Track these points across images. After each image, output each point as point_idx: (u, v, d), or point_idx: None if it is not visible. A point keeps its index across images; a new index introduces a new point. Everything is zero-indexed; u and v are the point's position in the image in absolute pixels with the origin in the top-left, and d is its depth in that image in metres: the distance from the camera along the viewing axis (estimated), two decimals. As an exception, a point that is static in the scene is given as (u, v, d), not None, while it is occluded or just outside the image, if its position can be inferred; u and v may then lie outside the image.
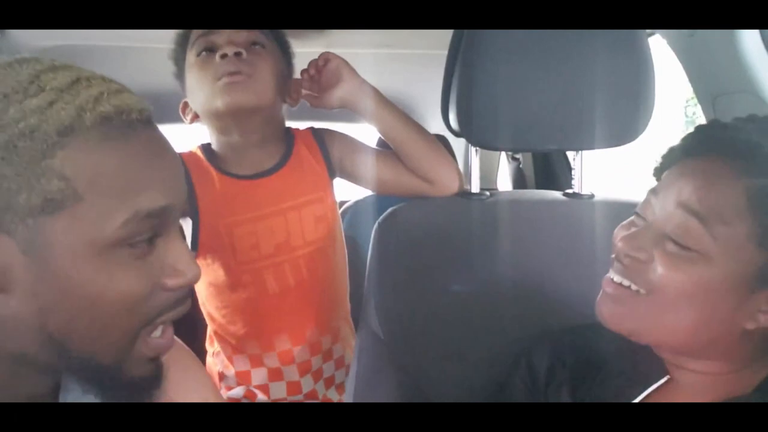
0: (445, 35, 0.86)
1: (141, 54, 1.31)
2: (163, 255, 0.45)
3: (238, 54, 0.84)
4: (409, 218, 0.86)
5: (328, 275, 0.99)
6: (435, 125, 2.03)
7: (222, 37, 0.86)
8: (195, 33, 0.89)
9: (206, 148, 0.95)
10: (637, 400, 0.61)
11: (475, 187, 0.91)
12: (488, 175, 1.96)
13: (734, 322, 0.54)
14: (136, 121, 0.43)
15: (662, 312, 0.56)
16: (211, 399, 0.59)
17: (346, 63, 0.92)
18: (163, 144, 0.46)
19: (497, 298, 0.83)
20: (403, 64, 1.57)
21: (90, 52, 1.36)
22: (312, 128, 1.00)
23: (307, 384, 0.99)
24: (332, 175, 0.97)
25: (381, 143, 1.96)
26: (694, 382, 0.59)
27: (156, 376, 0.46)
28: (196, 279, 0.46)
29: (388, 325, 0.82)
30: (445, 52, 0.86)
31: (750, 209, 0.52)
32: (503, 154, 1.89)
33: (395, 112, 0.93)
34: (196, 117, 0.93)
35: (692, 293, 0.53)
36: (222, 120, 0.88)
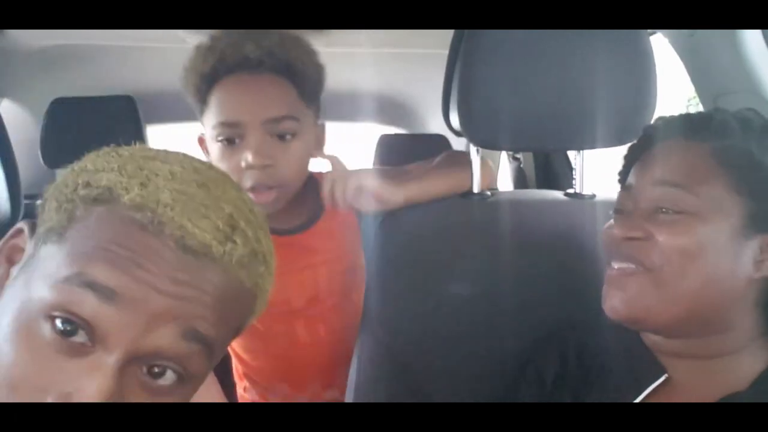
0: (445, 35, 0.86)
1: (141, 54, 1.31)
2: (79, 372, 0.38)
3: (266, 166, 0.78)
4: (410, 219, 0.86)
5: (356, 320, 0.96)
6: (435, 125, 2.03)
7: (246, 130, 0.77)
8: (213, 108, 0.80)
9: None
10: (635, 401, 0.61)
11: (476, 187, 0.91)
12: (489, 175, 1.96)
13: (740, 276, 0.56)
14: (173, 239, 0.40)
15: (673, 282, 0.57)
16: (217, 399, 0.59)
17: (359, 188, 0.81)
18: (186, 281, 0.40)
19: (498, 298, 0.83)
20: (403, 64, 1.56)
21: (90, 52, 1.36)
22: None
23: None
24: (361, 219, 0.92)
25: (382, 141, 1.95)
26: (692, 376, 0.60)
27: None
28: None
29: (388, 326, 0.82)
30: (445, 52, 0.86)
31: (719, 165, 0.57)
32: (504, 153, 1.89)
33: (424, 186, 0.86)
34: None
35: (696, 253, 0.56)
36: None
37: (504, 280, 0.83)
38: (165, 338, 0.40)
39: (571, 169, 1.54)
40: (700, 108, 0.96)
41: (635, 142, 0.69)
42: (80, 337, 0.39)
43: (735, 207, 0.56)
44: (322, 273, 0.90)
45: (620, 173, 0.69)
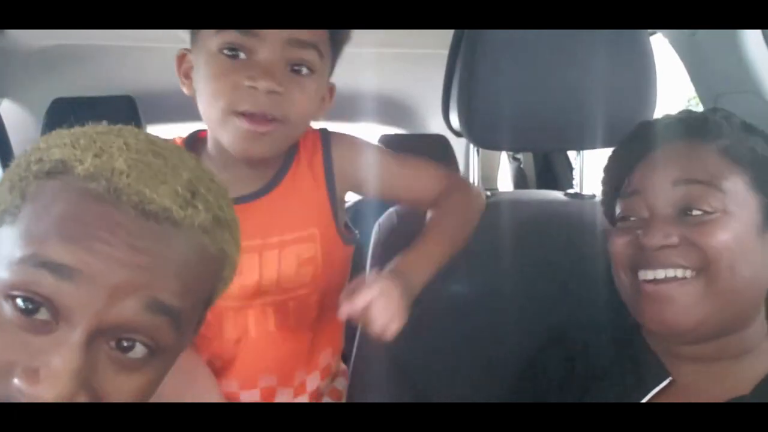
0: (445, 35, 0.86)
1: (141, 54, 1.31)
2: (45, 348, 0.38)
3: (273, 92, 0.65)
4: (409, 218, 0.86)
5: (304, 327, 0.79)
6: (435, 125, 2.03)
7: (261, 45, 0.65)
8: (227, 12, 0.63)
9: (189, 147, 0.75)
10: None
11: (475, 187, 0.91)
12: (489, 175, 1.96)
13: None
14: (132, 205, 0.39)
15: (723, 284, 0.56)
16: (215, 400, 0.59)
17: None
18: (149, 248, 0.39)
19: (499, 299, 0.83)
20: (403, 64, 1.57)
21: (90, 52, 1.36)
22: (322, 131, 0.79)
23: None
24: (333, 200, 0.76)
25: (382, 141, 1.96)
26: (696, 379, 0.59)
27: None
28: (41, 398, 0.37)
29: (388, 326, 0.82)
30: (445, 52, 0.86)
31: (733, 163, 0.57)
32: (504, 153, 1.89)
33: (436, 254, 0.72)
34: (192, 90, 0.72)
35: (738, 251, 0.55)
36: (227, 154, 0.69)
37: (504, 280, 0.83)
38: (129, 310, 0.39)
39: (571, 169, 1.54)
40: (700, 108, 0.96)
41: (620, 149, 0.68)
42: (43, 315, 0.39)
43: (754, 202, 0.57)
44: (268, 258, 0.73)
45: (614, 180, 0.67)
